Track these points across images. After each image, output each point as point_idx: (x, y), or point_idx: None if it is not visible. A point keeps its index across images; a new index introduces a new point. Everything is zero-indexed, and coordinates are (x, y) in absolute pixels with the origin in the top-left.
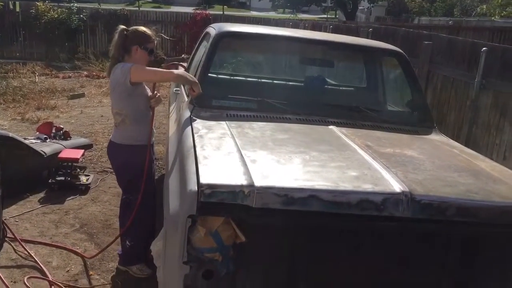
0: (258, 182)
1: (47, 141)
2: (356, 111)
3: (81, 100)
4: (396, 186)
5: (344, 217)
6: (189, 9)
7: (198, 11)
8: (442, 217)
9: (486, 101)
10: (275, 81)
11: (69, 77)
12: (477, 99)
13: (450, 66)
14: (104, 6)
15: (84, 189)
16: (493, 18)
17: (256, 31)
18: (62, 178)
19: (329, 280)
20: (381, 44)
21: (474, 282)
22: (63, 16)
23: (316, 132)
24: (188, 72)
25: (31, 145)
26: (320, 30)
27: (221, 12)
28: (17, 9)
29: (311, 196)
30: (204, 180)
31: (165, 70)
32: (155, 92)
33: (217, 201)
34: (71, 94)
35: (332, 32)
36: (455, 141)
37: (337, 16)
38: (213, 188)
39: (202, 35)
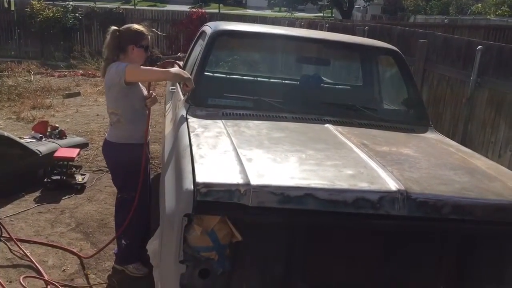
0: (254, 181)
1: (43, 140)
2: (352, 110)
3: (76, 99)
4: (392, 185)
5: (340, 216)
6: (185, 8)
7: (194, 10)
8: (438, 215)
9: (482, 99)
10: (271, 80)
11: (65, 76)
12: (472, 97)
13: (446, 64)
14: (99, 5)
15: (79, 188)
16: (488, 16)
17: (252, 29)
18: (58, 177)
19: (326, 279)
20: (377, 43)
21: (470, 279)
22: (58, 15)
23: (312, 131)
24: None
25: (27, 144)
26: (316, 29)
27: (217, 11)
28: (12, 7)
29: (307, 194)
30: (200, 179)
31: (160, 69)
32: (151, 92)
33: (213, 200)
34: (66, 93)
35: (328, 31)
36: (451, 139)
37: (333, 15)
38: (209, 187)
39: (198, 33)
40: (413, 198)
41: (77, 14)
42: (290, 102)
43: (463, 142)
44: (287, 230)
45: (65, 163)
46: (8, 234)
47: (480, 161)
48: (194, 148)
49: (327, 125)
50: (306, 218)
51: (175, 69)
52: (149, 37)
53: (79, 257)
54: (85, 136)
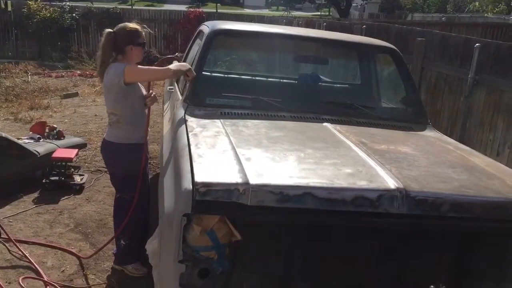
0: (253, 180)
1: (41, 141)
2: (351, 108)
3: (74, 99)
4: (391, 183)
5: (339, 214)
6: (182, 7)
7: (191, 9)
8: (437, 213)
9: (480, 97)
10: (269, 79)
11: (62, 76)
12: (470, 95)
13: (444, 62)
14: (96, 5)
15: (78, 189)
16: (486, 14)
17: (250, 28)
18: (56, 178)
19: (325, 277)
20: (374, 41)
21: (469, 277)
22: (55, 15)
23: (310, 130)
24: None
25: (25, 145)
26: (314, 28)
27: (215, 10)
28: (9, 8)
29: (306, 193)
30: (199, 178)
31: (159, 68)
32: (150, 91)
33: (212, 200)
34: (64, 93)
35: (326, 30)
36: (449, 137)
37: (331, 14)
38: (208, 186)
39: (196, 33)
40: (412, 196)
41: (74, 15)
42: (288, 101)
43: (461, 140)
44: (286, 229)
45: (64, 163)
46: (7, 235)
47: (479, 159)
48: (192, 147)
49: (325, 124)
50: (305, 217)
51: (173, 65)
52: (143, 33)
53: (78, 257)
54: (83, 137)
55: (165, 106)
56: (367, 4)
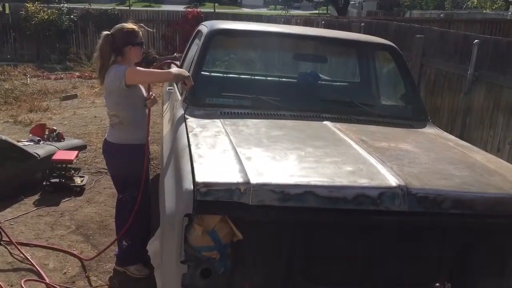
0: (254, 179)
1: (41, 143)
2: (350, 106)
3: (73, 101)
4: (392, 180)
5: (340, 213)
6: (180, 8)
7: (189, 9)
8: (439, 209)
9: (479, 93)
10: (268, 78)
11: (61, 78)
12: (470, 91)
13: (443, 59)
14: (94, 6)
15: (79, 191)
16: (484, 10)
17: (249, 28)
18: (57, 180)
19: (327, 276)
20: (373, 39)
21: (472, 273)
22: (53, 17)
23: (310, 128)
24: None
25: (24, 148)
26: (312, 26)
27: (213, 10)
28: (7, 11)
29: (307, 192)
30: (199, 178)
31: (160, 70)
32: (150, 93)
33: (213, 200)
34: (63, 95)
35: (324, 28)
36: (449, 133)
37: (329, 12)
38: (209, 186)
39: (194, 33)
40: (413, 193)
41: (72, 16)
42: (288, 100)
43: (461, 137)
44: (288, 228)
45: (64, 165)
46: (8, 238)
47: (479, 155)
48: (193, 147)
49: (325, 122)
50: (306, 216)
51: (175, 69)
52: (140, 32)
53: (80, 259)
54: (83, 138)
55: (165, 106)
56: (365, 2)
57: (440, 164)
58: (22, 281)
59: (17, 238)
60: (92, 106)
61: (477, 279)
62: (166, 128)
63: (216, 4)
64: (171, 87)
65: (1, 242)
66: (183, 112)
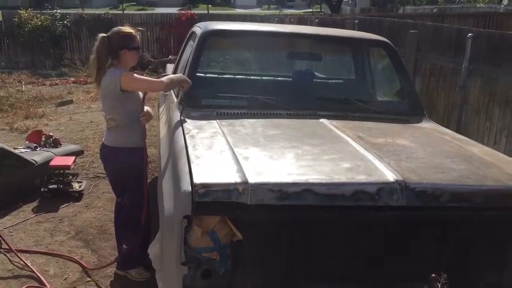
0: (252, 179)
1: (37, 149)
2: (346, 103)
3: (69, 106)
4: (390, 175)
5: (339, 209)
6: (173, 10)
7: (183, 12)
8: (437, 203)
9: (475, 86)
10: (264, 77)
11: (56, 84)
12: (465, 85)
13: (437, 53)
14: (87, 11)
15: (77, 196)
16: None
17: (242, 28)
18: (55, 186)
19: (328, 273)
20: (367, 35)
21: (472, 266)
22: (46, 23)
23: (307, 126)
24: (176, 73)
25: (22, 155)
26: (306, 25)
27: (206, 11)
28: (0, 18)
29: (305, 190)
30: (197, 180)
31: (154, 79)
32: (145, 109)
33: (212, 200)
34: (59, 101)
35: (318, 26)
36: (446, 127)
37: (323, 10)
38: (207, 187)
39: (188, 34)
40: (411, 188)
41: (65, 22)
42: (283, 99)
43: (458, 130)
44: (287, 227)
45: (62, 171)
46: (8, 245)
47: (476, 148)
48: (190, 149)
49: (322, 119)
50: (305, 214)
51: (167, 77)
52: (137, 36)
53: (83, 267)
54: (80, 144)
55: (161, 109)
56: None
57: (437, 158)
58: None
59: (16, 246)
60: (88, 111)
61: (476, 272)
62: (163, 131)
63: (209, 5)
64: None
65: (1, 250)
66: (179, 114)
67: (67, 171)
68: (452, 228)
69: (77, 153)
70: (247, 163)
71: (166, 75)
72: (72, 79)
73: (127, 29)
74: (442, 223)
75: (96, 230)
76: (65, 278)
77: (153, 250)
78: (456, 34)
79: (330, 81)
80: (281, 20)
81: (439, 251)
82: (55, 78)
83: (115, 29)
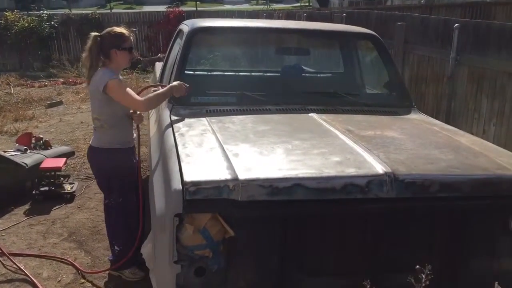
0: (242, 175)
1: (28, 152)
2: (335, 97)
3: (59, 108)
4: (379, 168)
5: (330, 203)
6: (161, 8)
7: (171, 9)
8: (426, 194)
9: (462, 76)
10: (252, 73)
11: (45, 85)
12: (453, 75)
13: (425, 45)
14: (75, 11)
15: (69, 198)
16: None
17: (230, 24)
18: (46, 188)
19: (322, 267)
20: (355, 29)
21: (463, 254)
22: (33, 25)
23: (296, 121)
24: (164, 71)
25: (12, 158)
26: (294, 19)
27: (194, 8)
28: None
29: (295, 184)
30: (187, 178)
31: (138, 98)
32: (137, 112)
33: (203, 198)
34: (48, 102)
35: (306, 20)
36: (435, 118)
37: (311, 4)
38: (198, 185)
39: (176, 32)
40: (401, 180)
41: (52, 23)
42: (273, 94)
43: (447, 121)
44: (279, 222)
45: (52, 173)
46: (0, 249)
47: (464, 138)
48: (179, 147)
49: (311, 114)
50: (297, 208)
51: (153, 94)
52: (131, 37)
53: (77, 268)
54: (70, 145)
55: None
56: None
57: (426, 149)
58: None
59: (9, 249)
60: (78, 112)
61: (467, 260)
62: (153, 130)
63: (198, 2)
64: (155, 88)
65: None
66: (168, 112)
67: (58, 173)
68: (443, 218)
69: (68, 155)
70: (237, 159)
71: (157, 90)
72: (61, 80)
73: (119, 29)
74: (433, 214)
75: (89, 231)
76: (59, 281)
77: (146, 249)
78: (443, 25)
79: (318, 75)
80: (270, 15)
81: (430, 241)
82: (44, 80)
83: (108, 28)
